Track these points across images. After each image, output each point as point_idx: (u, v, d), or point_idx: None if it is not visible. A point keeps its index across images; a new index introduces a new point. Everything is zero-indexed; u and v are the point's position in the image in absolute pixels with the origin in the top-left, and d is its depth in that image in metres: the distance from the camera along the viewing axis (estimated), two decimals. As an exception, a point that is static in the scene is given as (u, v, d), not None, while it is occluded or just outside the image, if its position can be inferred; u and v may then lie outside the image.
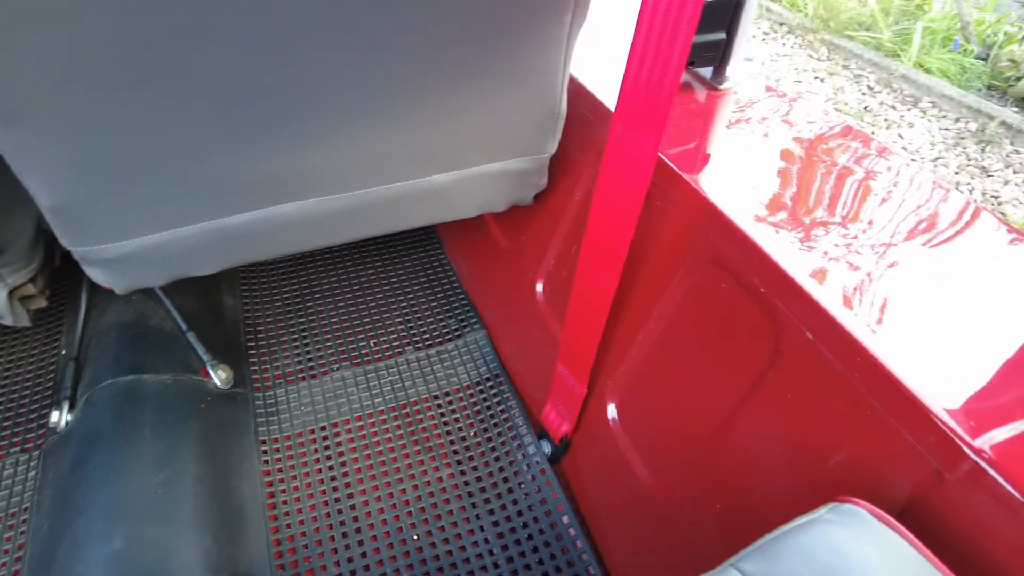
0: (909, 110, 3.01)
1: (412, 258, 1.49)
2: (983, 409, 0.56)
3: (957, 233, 0.75)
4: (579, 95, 1.02)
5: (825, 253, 0.70)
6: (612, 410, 0.95)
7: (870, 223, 0.75)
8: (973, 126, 2.86)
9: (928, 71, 3.14)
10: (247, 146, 0.77)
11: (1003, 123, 2.77)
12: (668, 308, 0.87)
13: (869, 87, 3.20)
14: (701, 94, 1.02)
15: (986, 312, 0.65)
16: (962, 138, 2.81)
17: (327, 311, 1.35)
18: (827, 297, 0.65)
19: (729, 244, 0.76)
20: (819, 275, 0.67)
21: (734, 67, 1.04)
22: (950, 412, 0.55)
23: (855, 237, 0.73)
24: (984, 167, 2.64)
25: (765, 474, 0.74)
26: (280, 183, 0.84)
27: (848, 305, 0.64)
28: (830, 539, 0.52)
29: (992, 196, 2.48)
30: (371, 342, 1.29)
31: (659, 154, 0.86)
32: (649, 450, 0.90)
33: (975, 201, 2.32)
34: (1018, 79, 2.92)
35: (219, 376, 1.15)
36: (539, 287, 1.15)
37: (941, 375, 0.58)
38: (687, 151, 0.88)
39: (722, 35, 0.98)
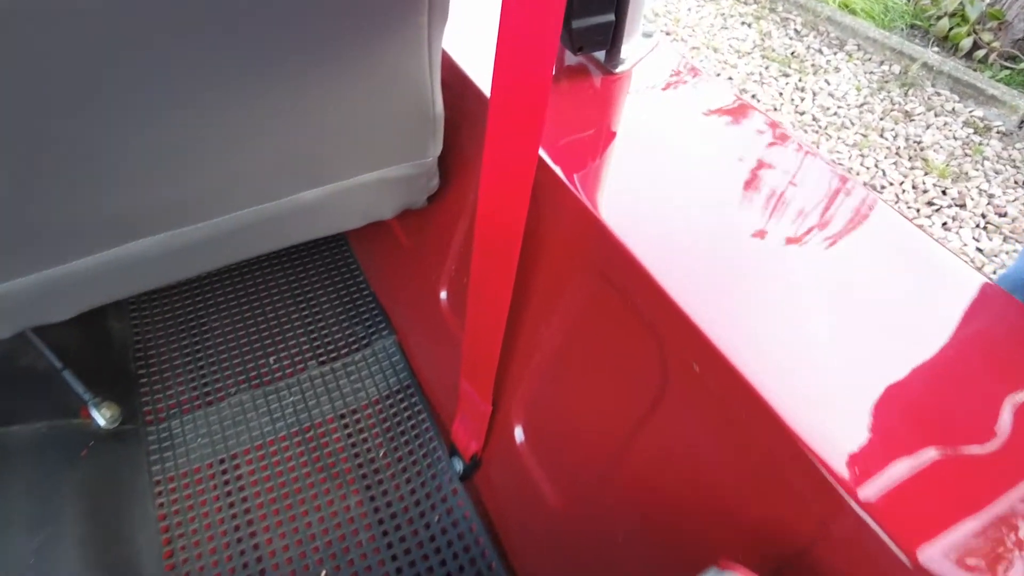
0: (835, 54, 2.99)
1: (316, 259, 1.39)
2: (869, 457, 0.52)
3: (857, 238, 0.70)
4: (467, 90, 0.94)
5: (717, 273, 0.65)
6: (519, 433, 0.90)
7: (768, 234, 0.70)
8: (896, 68, 2.85)
9: (853, 12, 3.11)
10: (80, 184, 0.67)
11: (924, 64, 2.77)
12: (563, 324, 0.82)
13: (796, 31, 3.15)
14: (596, 80, 0.95)
15: (883, 332, 0.61)
16: (886, 82, 2.80)
17: (223, 327, 1.26)
18: (715, 328, 0.60)
19: (613, 260, 0.70)
20: (708, 301, 0.62)
21: (630, 48, 0.97)
22: (836, 461, 0.51)
23: (752, 252, 0.68)
24: (907, 111, 2.64)
25: (661, 502, 0.71)
26: (126, 220, 0.75)
27: (737, 338, 0.59)
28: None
29: (915, 142, 2.50)
30: (271, 359, 1.20)
31: (543, 155, 0.79)
32: (556, 471, 0.86)
33: (887, 199, 2.31)
34: (938, 18, 2.91)
35: (103, 415, 1.05)
36: (443, 295, 1.08)
37: (828, 418, 0.54)
38: (573, 149, 0.81)
39: (610, 17, 0.89)
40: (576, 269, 0.78)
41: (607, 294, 0.74)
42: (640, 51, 0.99)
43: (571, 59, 0.98)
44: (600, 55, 0.97)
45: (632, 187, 0.75)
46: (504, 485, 0.96)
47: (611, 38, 0.92)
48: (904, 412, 0.55)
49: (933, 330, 0.61)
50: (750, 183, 0.76)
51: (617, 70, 0.95)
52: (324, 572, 0.95)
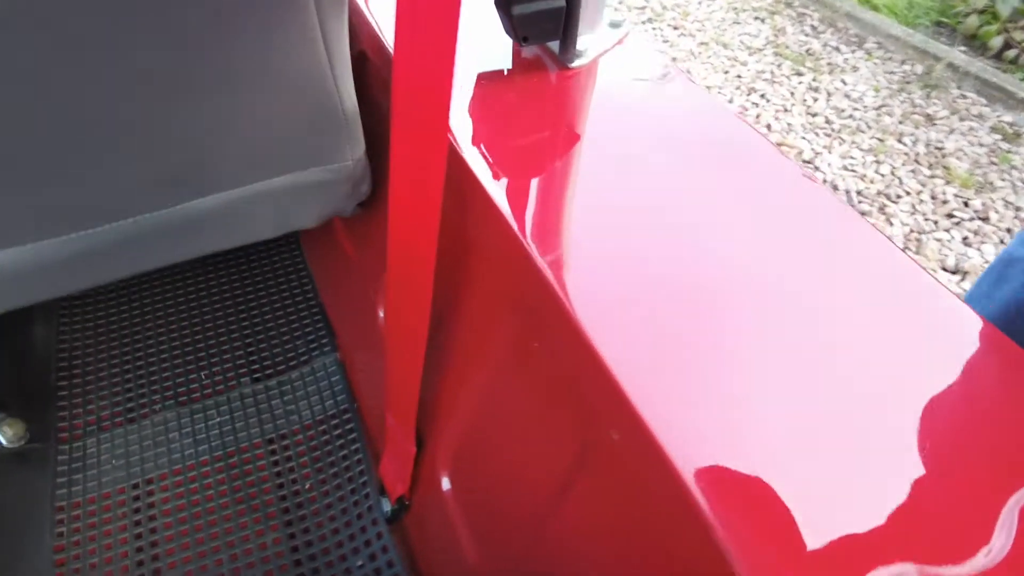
0: (853, 52, 2.82)
1: (265, 262, 1.29)
2: None
3: (850, 289, 0.58)
4: None
5: (657, 322, 0.53)
6: (446, 482, 0.80)
7: (738, 279, 0.56)
8: (919, 68, 2.68)
9: (875, 8, 2.94)
10: None
11: (950, 65, 2.60)
12: (491, 366, 0.70)
13: (813, 27, 2.99)
14: (551, 76, 0.83)
15: (856, 409, 0.49)
16: (907, 82, 2.63)
17: (157, 334, 1.16)
18: (641, 393, 0.48)
19: (537, 295, 0.58)
20: (640, 358, 0.50)
21: (591, 39, 0.85)
22: None
23: (714, 302, 0.55)
24: (929, 115, 2.48)
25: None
26: None
27: (667, 410, 0.47)
28: None
29: (936, 148, 2.33)
30: (203, 373, 1.10)
31: (471, 164, 0.67)
32: (483, 530, 0.75)
33: (904, 210, 2.14)
34: (967, 15, 2.73)
35: (4, 433, 0.96)
36: (381, 314, 0.97)
37: (779, 532, 0.42)
38: (508, 157, 0.69)
39: (560, 2, 0.77)
40: (503, 302, 0.67)
41: (532, 331, 0.62)
42: (604, 43, 0.87)
43: (529, 50, 0.86)
44: (556, 47, 0.85)
45: (567, 208, 0.63)
46: (433, 534, 0.85)
47: (562, 28, 0.80)
48: (874, 517, 0.43)
49: (919, 401, 0.49)
50: (720, 210, 0.63)
51: (573, 64, 0.83)
52: (230, 620, 0.86)
